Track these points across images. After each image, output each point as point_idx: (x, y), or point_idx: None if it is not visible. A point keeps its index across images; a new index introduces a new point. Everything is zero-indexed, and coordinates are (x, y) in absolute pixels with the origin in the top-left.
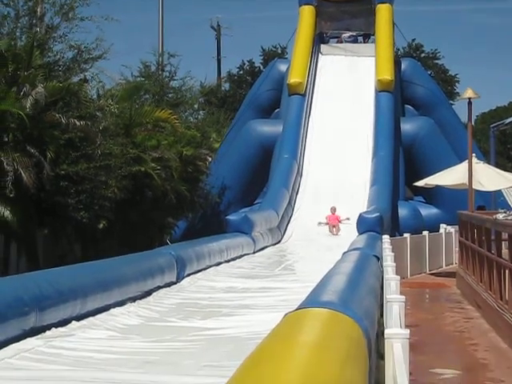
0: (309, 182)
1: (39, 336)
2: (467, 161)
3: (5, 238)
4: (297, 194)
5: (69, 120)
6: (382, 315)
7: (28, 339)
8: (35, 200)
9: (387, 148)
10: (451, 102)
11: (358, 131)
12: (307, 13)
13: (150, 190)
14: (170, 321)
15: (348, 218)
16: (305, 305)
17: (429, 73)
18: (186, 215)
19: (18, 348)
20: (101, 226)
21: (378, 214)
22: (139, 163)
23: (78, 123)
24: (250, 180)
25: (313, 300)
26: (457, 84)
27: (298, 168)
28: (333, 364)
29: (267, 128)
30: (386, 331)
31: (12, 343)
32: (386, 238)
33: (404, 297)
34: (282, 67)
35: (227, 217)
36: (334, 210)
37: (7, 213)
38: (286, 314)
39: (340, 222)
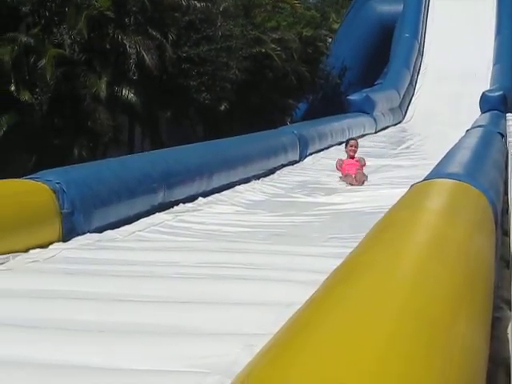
0: (430, 62)
1: (168, 211)
2: None
3: (129, 120)
4: (418, 73)
5: (189, 2)
6: (506, 193)
7: (157, 214)
8: (158, 82)
9: (511, 27)
10: None
11: (480, 12)
12: None
13: (271, 71)
14: (294, 197)
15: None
16: (431, 176)
17: None
18: (307, 97)
19: (148, 222)
20: (222, 107)
21: (501, 93)
22: (259, 44)
23: (198, 5)
24: (371, 60)
25: (439, 171)
26: None
27: (419, 47)
28: (461, 229)
29: (387, 7)
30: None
31: (142, 217)
32: (509, 116)
33: None
34: None
35: (348, 97)
36: (354, 147)
37: (131, 95)
38: (412, 185)
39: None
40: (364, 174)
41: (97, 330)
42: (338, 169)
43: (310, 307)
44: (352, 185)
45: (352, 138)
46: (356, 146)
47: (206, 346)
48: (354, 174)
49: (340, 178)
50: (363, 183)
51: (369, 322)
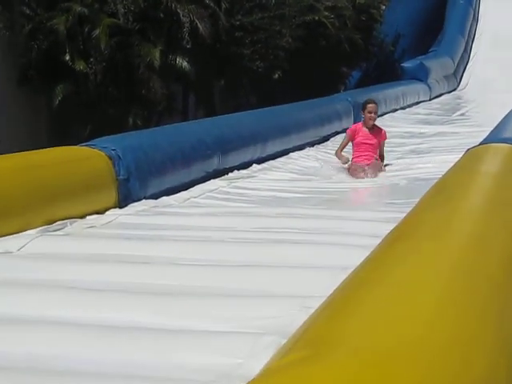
0: (485, 29)
1: (222, 177)
2: None
3: (183, 89)
4: (473, 40)
5: None
6: None
7: (212, 180)
8: (211, 51)
9: None
10: None
11: None
12: None
13: (324, 39)
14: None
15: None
16: (487, 141)
17: None
18: (360, 64)
19: (203, 188)
20: (276, 76)
21: None
22: (312, 12)
23: None
24: (425, 27)
25: (495, 136)
26: None
27: (474, 14)
28: None
29: None
30: None
31: (197, 184)
32: None
33: None
34: None
35: (402, 64)
36: (373, 113)
37: (185, 63)
38: (468, 150)
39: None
40: (379, 164)
41: (153, 293)
42: (338, 154)
43: (364, 268)
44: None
45: (371, 101)
46: (375, 112)
47: (262, 307)
48: (366, 164)
49: (343, 167)
50: (377, 175)
51: (423, 280)
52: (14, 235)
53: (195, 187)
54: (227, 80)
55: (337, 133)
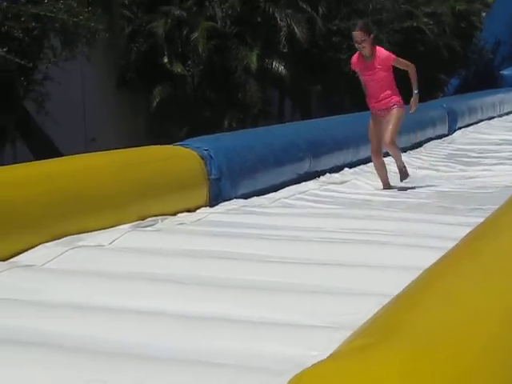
0: None
1: (313, 180)
2: None
3: (280, 93)
4: None
5: None
6: None
7: (303, 183)
8: (307, 55)
9: None
10: None
11: None
12: None
13: (422, 45)
14: (439, 169)
15: None
16: None
17: None
18: (459, 72)
19: (294, 190)
20: None
21: None
22: (411, 18)
23: None
24: None
25: None
26: None
27: None
28: None
29: None
30: None
31: (287, 185)
32: None
33: None
34: None
35: (501, 72)
36: (358, 42)
37: (281, 68)
38: None
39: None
40: (398, 107)
41: (239, 287)
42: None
43: (438, 265)
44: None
45: (353, 27)
46: (363, 40)
47: (341, 304)
48: (381, 110)
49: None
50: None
51: (496, 278)
52: (107, 229)
53: (285, 189)
54: (324, 85)
55: (430, 139)
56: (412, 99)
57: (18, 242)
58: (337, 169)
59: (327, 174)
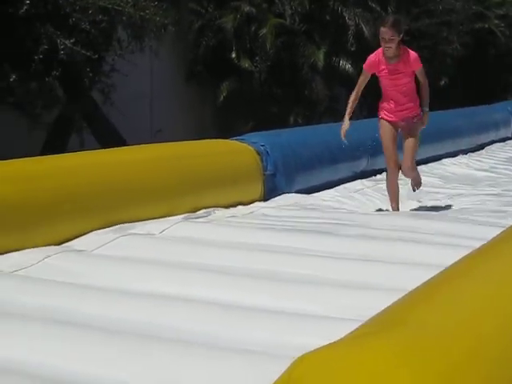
0: None
1: (369, 178)
2: None
3: (346, 91)
4: None
5: None
6: None
7: (359, 180)
8: None
9: None
10: None
11: None
12: None
13: (493, 47)
14: (497, 172)
15: None
16: None
17: None
18: None
19: (348, 187)
20: (442, 82)
21: None
22: (482, 20)
23: None
24: None
25: None
26: None
27: None
28: None
29: None
30: None
31: (343, 183)
32: None
33: None
34: None
35: None
36: (386, 40)
37: (348, 66)
38: None
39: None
40: (417, 120)
41: (278, 280)
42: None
43: (457, 264)
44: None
45: (382, 22)
46: (390, 40)
47: (366, 298)
48: (399, 121)
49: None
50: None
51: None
52: (159, 219)
53: (341, 186)
54: None
55: (493, 142)
56: (423, 118)
57: (70, 228)
58: None
59: (384, 173)
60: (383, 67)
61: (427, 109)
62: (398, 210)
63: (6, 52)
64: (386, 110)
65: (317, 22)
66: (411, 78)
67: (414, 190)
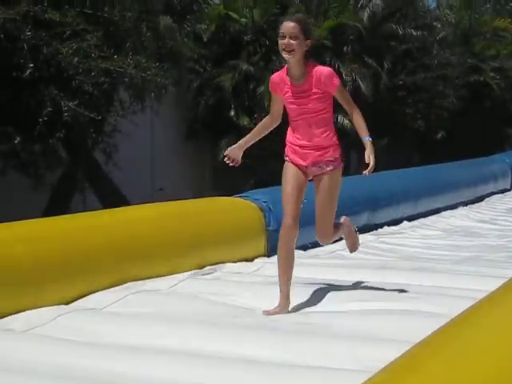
0: None
1: (371, 232)
2: None
3: (344, 146)
4: None
5: (405, 31)
6: None
7: (360, 235)
8: (373, 110)
9: None
10: None
11: None
12: None
13: (489, 99)
14: (499, 223)
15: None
16: None
17: None
18: None
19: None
20: (439, 135)
21: None
22: (477, 73)
23: (414, 33)
24: None
25: None
26: None
27: None
28: None
29: None
30: None
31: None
32: None
33: None
34: None
35: None
36: (284, 44)
37: (346, 121)
38: None
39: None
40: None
41: (281, 332)
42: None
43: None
44: None
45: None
46: (295, 37)
47: (377, 349)
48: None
49: None
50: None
51: None
52: (167, 276)
53: (342, 241)
54: (390, 139)
55: (492, 193)
56: (367, 151)
57: (80, 287)
58: (396, 222)
59: (385, 227)
60: (287, 89)
61: (369, 138)
62: (286, 288)
63: (10, 115)
64: (293, 150)
65: None
66: (325, 103)
67: (351, 252)
